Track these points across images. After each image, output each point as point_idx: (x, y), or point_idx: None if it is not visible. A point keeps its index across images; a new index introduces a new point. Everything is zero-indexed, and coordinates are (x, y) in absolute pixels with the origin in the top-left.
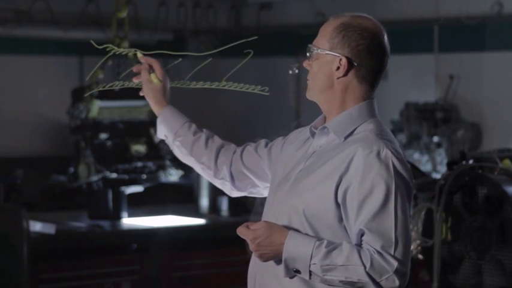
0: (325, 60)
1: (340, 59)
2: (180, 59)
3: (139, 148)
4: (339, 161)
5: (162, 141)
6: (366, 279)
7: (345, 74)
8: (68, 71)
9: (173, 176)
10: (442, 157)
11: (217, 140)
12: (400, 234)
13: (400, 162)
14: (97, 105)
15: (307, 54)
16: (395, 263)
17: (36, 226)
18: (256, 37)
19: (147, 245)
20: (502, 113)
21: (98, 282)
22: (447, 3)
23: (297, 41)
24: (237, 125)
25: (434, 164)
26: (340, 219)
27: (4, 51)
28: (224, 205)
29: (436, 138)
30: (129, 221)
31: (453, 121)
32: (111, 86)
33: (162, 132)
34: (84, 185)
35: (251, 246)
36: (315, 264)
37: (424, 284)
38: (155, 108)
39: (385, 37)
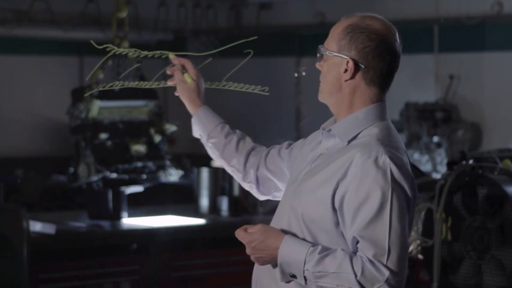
0: (334, 62)
1: (347, 62)
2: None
3: (139, 148)
4: (338, 166)
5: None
6: (357, 287)
7: (352, 77)
8: (68, 71)
9: (173, 176)
10: (442, 157)
11: (248, 143)
12: (394, 244)
13: (399, 169)
14: (97, 105)
15: (318, 55)
16: (386, 273)
17: (36, 226)
18: (256, 37)
19: (147, 245)
20: (502, 113)
21: (98, 282)
22: (447, 3)
23: (297, 41)
24: (237, 125)
25: (434, 164)
26: (337, 225)
27: (4, 51)
28: (224, 205)
29: (436, 138)
30: (129, 221)
31: (453, 121)
32: (111, 86)
33: (196, 132)
34: (84, 185)
35: (247, 250)
36: (308, 270)
37: (424, 284)
38: (190, 108)
39: (396, 38)
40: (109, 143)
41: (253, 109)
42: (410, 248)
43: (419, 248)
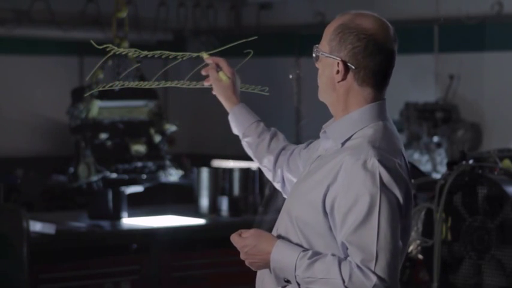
0: (327, 63)
1: (338, 63)
2: (180, 59)
3: (139, 148)
4: (329, 169)
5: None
6: None
7: (344, 78)
8: (68, 71)
9: (173, 176)
10: (442, 157)
11: (280, 142)
12: (382, 249)
13: (389, 173)
14: (97, 105)
15: (313, 55)
16: (374, 279)
17: (36, 226)
18: (256, 37)
19: (147, 245)
20: (502, 113)
21: (98, 282)
22: (447, 3)
23: (296, 41)
24: None
25: (434, 164)
26: (331, 229)
27: (4, 51)
28: (224, 205)
29: (436, 138)
30: (129, 221)
31: (453, 121)
32: (111, 86)
33: (234, 130)
34: (84, 185)
35: (241, 255)
36: (298, 275)
37: (424, 284)
38: (226, 106)
39: (389, 35)
40: (109, 143)
41: (253, 109)
42: (410, 248)
43: (419, 248)
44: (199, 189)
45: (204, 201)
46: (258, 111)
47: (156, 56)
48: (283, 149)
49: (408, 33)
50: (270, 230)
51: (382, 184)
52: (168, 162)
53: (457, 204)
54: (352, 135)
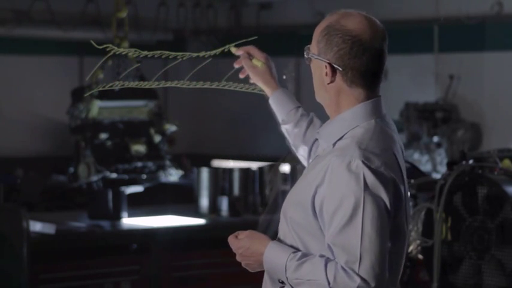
0: (317, 65)
1: (326, 65)
2: (180, 59)
3: (139, 148)
4: (318, 170)
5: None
6: None
7: (333, 80)
8: (68, 71)
9: (173, 176)
10: (442, 157)
11: (316, 129)
12: (366, 251)
13: (374, 174)
14: (97, 105)
15: (305, 56)
16: (358, 280)
17: (36, 226)
18: (256, 37)
19: (147, 245)
20: (502, 113)
21: (98, 282)
22: (447, 3)
23: (296, 41)
24: (237, 125)
25: (434, 164)
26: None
27: (4, 51)
28: (224, 205)
29: (436, 138)
30: (129, 221)
31: (453, 121)
32: (111, 86)
33: (275, 115)
34: (84, 185)
35: (236, 256)
36: (288, 277)
37: (424, 284)
38: (267, 91)
39: (375, 34)
40: (109, 143)
41: (253, 109)
42: (410, 248)
43: (419, 248)
44: (199, 189)
45: (204, 201)
46: (258, 111)
47: (156, 56)
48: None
49: (408, 33)
50: (268, 231)
51: (366, 185)
52: (168, 162)
53: (457, 204)
54: (343, 136)
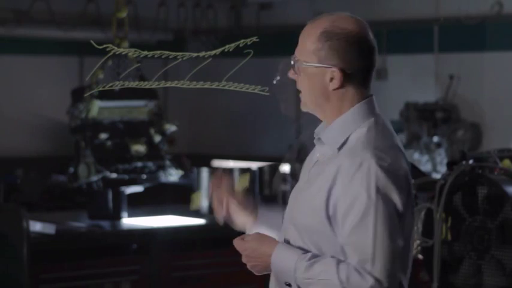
0: (315, 73)
1: (333, 71)
2: (180, 59)
3: (139, 148)
4: (328, 174)
5: None
6: None
7: (341, 84)
8: (68, 71)
9: (173, 176)
10: (442, 157)
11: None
12: (379, 250)
13: (386, 173)
14: (97, 105)
15: (292, 62)
16: (370, 280)
17: (36, 226)
18: (256, 38)
19: (147, 245)
20: (502, 113)
21: (98, 282)
22: (447, 3)
23: (297, 41)
24: (237, 125)
25: (434, 164)
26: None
27: (4, 51)
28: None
29: (436, 138)
30: (129, 221)
31: (453, 121)
32: (111, 86)
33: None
34: (84, 185)
35: (242, 258)
36: (297, 277)
37: (424, 284)
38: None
39: (368, 31)
40: (109, 143)
41: (253, 109)
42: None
43: (419, 248)
44: (199, 189)
45: (204, 201)
46: (258, 111)
47: (156, 56)
48: None
49: (408, 33)
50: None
51: (379, 185)
52: (168, 162)
53: (457, 204)
54: (347, 138)
